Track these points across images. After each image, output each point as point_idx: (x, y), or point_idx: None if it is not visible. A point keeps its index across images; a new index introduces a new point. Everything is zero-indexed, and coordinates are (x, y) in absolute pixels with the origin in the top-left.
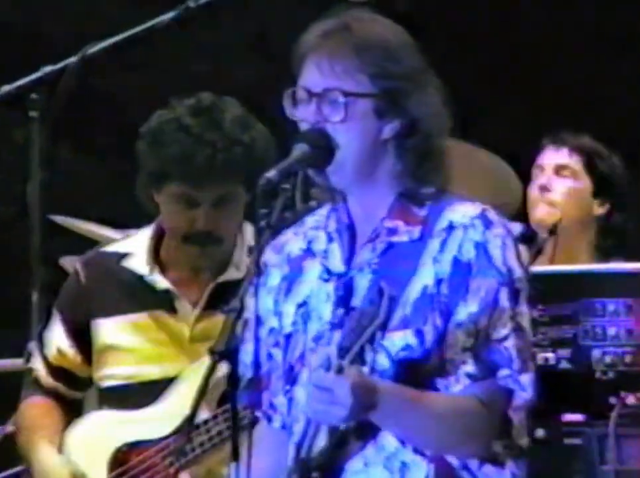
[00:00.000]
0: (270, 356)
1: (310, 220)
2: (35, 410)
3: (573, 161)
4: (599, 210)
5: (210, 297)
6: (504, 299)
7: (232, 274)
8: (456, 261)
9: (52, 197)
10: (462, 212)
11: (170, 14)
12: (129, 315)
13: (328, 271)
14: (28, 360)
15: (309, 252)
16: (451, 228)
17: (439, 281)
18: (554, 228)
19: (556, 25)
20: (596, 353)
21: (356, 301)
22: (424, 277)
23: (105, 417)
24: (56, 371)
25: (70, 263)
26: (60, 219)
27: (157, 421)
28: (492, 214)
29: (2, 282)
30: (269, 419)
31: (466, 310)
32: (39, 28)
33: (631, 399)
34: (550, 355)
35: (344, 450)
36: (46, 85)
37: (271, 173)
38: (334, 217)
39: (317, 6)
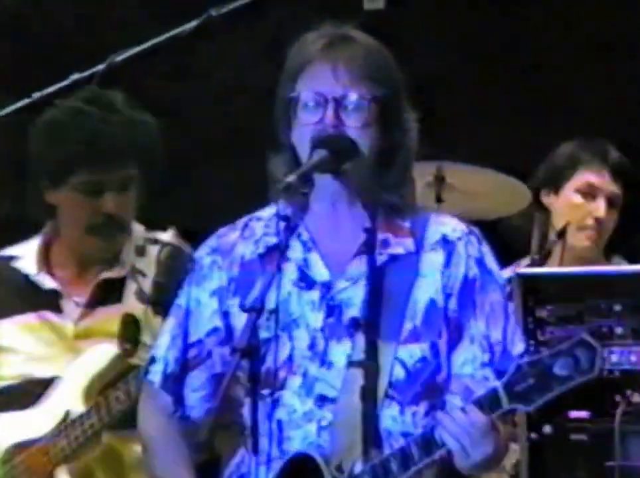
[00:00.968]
0: (209, 354)
1: (257, 225)
2: None
3: (621, 194)
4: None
5: (94, 294)
6: (512, 313)
7: (118, 272)
8: (465, 277)
9: None
10: (451, 226)
11: (193, 23)
12: (19, 316)
13: (308, 279)
14: None
15: (271, 256)
16: (446, 241)
17: (448, 296)
18: (563, 231)
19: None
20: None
21: (353, 311)
22: (428, 290)
23: None
24: None
25: None
26: None
27: (39, 420)
28: (476, 229)
29: None
30: (174, 411)
31: (477, 325)
32: (67, 37)
33: (636, 398)
34: None
35: None
36: (74, 93)
37: (291, 177)
38: (303, 226)
39: (332, 15)
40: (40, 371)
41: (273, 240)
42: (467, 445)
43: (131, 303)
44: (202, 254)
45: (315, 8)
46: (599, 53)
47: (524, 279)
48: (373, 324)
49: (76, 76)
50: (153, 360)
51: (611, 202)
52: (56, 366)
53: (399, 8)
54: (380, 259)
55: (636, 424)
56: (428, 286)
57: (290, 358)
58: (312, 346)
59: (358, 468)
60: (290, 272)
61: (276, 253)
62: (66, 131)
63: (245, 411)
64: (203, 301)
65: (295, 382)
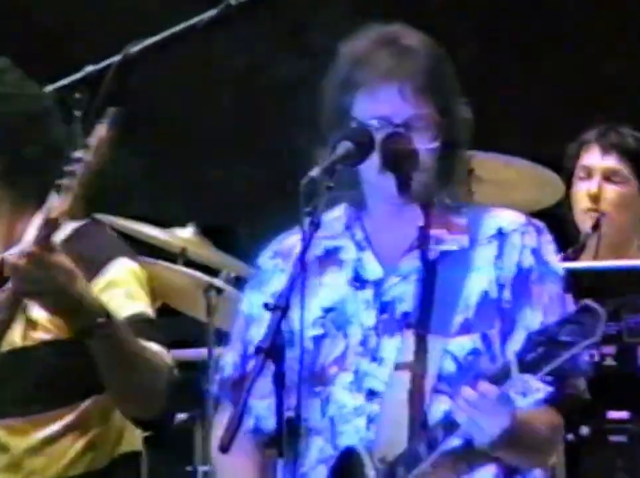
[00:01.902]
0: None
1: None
2: None
3: (623, 166)
4: None
5: None
6: (570, 306)
7: None
8: (519, 268)
9: (94, 196)
10: (508, 218)
11: (211, 12)
12: None
13: (361, 278)
14: None
15: (329, 260)
16: (501, 234)
17: (501, 286)
18: (597, 224)
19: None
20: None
21: (405, 306)
22: (481, 283)
23: None
24: None
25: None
26: (103, 217)
27: None
28: (536, 221)
29: None
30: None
31: (533, 316)
32: (81, 28)
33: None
34: (594, 352)
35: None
36: (89, 85)
37: (315, 171)
38: (358, 226)
39: (354, 3)
40: None
41: (333, 243)
42: (477, 419)
43: None
44: (265, 259)
45: None
46: None
47: None
48: (423, 318)
49: (90, 68)
50: (228, 379)
51: (607, 177)
52: None
53: None
54: (432, 254)
55: None
56: (481, 279)
57: (343, 355)
58: (364, 342)
59: None
60: (346, 272)
61: (334, 256)
62: None
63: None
64: (261, 304)
65: (346, 378)
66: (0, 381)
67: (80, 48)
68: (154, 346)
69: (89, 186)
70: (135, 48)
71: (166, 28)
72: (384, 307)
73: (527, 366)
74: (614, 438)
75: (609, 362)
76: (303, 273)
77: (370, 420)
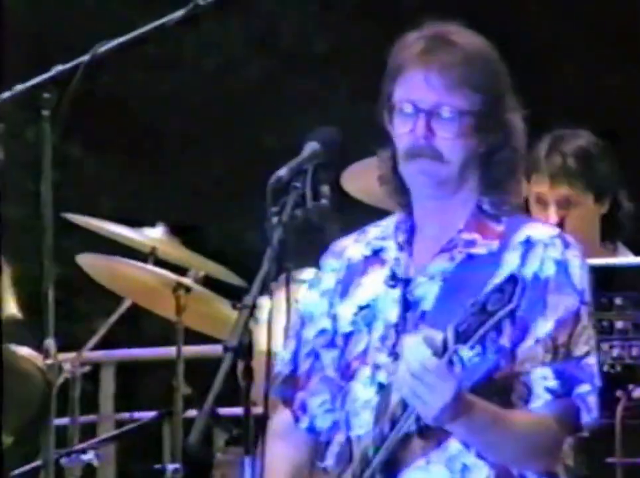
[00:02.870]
0: (317, 356)
1: (373, 230)
2: None
3: (573, 190)
4: (602, 209)
5: None
6: (584, 317)
7: None
8: (536, 277)
9: (64, 195)
10: (540, 230)
11: (179, 13)
12: None
13: (396, 277)
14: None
15: (374, 259)
16: (528, 242)
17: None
18: (561, 227)
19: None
20: (603, 347)
21: (426, 305)
22: None
23: None
24: None
25: (86, 259)
26: (73, 217)
27: None
28: (569, 237)
29: (18, 280)
30: (297, 419)
31: (545, 325)
32: (50, 28)
33: (637, 393)
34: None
35: (408, 447)
36: (58, 85)
37: (282, 171)
38: (402, 228)
39: (322, 3)
40: None
41: (380, 244)
42: (420, 392)
43: None
44: (324, 259)
45: None
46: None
47: None
48: (438, 319)
49: (59, 68)
50: (279, 374)
51: (561, 205)
52: None
53: None
54: (458, 257)
55: (637, 419)
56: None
57: (365, 351)
58: (384, 338)
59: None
60: (384, 271)
61: (378, 256)
62: None
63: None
64: (315, 302)
65: (365, 372)
66: None
67: (50, 48)
68: (24, 350)
69: None
70: (103, 48)
71: (135, 29)
72: (407, 306)
73: (461, 337)
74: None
75: None
76: (271, 274)
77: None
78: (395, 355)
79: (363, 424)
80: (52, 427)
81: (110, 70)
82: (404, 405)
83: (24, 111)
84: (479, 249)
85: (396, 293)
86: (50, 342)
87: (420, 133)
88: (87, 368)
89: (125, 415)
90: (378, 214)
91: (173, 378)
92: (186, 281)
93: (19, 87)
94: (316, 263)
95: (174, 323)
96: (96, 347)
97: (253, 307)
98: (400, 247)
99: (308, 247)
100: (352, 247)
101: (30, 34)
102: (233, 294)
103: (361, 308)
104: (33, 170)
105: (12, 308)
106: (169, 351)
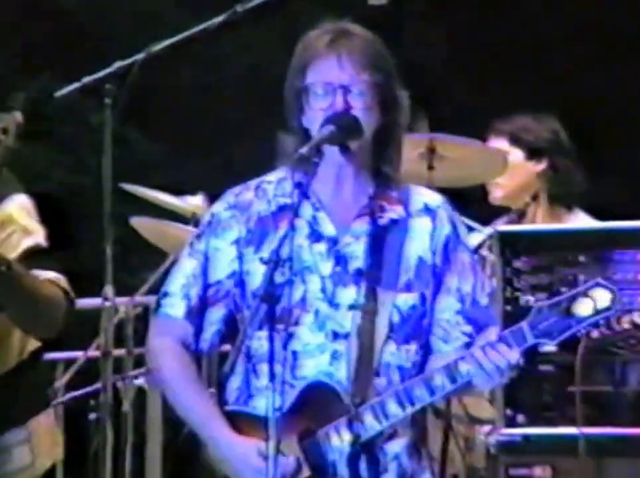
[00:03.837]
0: (227, 293)
1: (269, 188)
2: None
3: (499, 143)
4: (539, 166)
5: None
6: (479, 270)
7: None
8: (447, 238)
9: (122, 169)
10: (430, 196)
11: (220, 17)
12: None
13: (316, 233)
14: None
15: (281, 215)
16: (428, 209)
17: (434, 254)
18: (536, 195)
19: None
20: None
21: (357, 263)
22: (417, 249)
23: None
24: None
25: (139, 222)
26: (128, 187)
27: None
28: (446, 198)
29: (80, 241)
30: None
31: (452, 279)
32: (112, 29)
33: (594, 334)
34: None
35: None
36: (118, 78)
37: (304, 149)
38: (310, 188)
39: (343, 10)
40: None
41: (284, 201)
42: (495, 377)
43: None
44: (220, 209)
45: (324, 4)
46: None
47: (502, 235)
48: (374, 274)
49: (119, 63)
50: (166, 294)
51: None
52: None
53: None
54: (382, 221)
55: (594, 355)
56: (417, 246)
57: (303, 299)
58: (323, 289)
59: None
60: (301, 227)
61: (288, 212)
62: None
63: (255, 343)
64: (223, 249)
65: (308, 318)
66: None
67: (111, 47)
68: (50, 274)
69: (5, 164)
70: (156, 47)
71: (183, 31)
72: (338, 261)
73: (541, 333)
74: (543, 368)
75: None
76: (292, 232)
77: (334, 358)
78: (336, 305)
79: (317, 366)
80: (112, 354)
81: (161, 65)
82: (452, 377)
83: (90, 100)
84: (391, 214)
85: (321, 247)
86: (109, 288)
87: (339, 106)
88: (139, 310)
89: None
90: None
91: None
92: None
93: (86, 79)
94: None
95: None
96: (146, 293)
97: (278, 261)
98: (316, 208)
99: None
100: (257, 203)
101: (95, 36)
102: None
103: (285, 260)
104: (97, 148)
105: (39, 237)
106: None
